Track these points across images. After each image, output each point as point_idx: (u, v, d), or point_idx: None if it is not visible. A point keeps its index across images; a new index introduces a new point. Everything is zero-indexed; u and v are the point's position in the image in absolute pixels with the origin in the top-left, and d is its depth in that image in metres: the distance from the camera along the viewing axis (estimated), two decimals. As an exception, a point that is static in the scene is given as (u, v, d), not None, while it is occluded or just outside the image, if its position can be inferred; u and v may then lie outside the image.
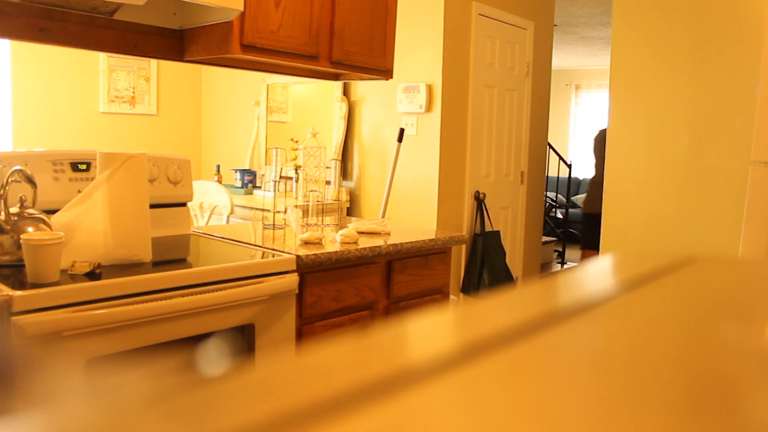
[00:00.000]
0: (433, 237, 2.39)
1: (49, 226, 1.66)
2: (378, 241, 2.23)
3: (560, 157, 7.02)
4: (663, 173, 3.56)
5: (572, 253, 6.98)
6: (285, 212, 2.42)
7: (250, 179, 4.69)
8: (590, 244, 5.40)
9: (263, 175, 4.67)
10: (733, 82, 3.28)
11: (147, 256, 1.77)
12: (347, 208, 4.44)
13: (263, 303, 1.83)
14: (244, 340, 1.81)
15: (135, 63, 5.15)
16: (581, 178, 8.85)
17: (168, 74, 5.40)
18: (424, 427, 0.25)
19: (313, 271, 1.98)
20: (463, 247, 4.23)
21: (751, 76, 3.11)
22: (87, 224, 1.68)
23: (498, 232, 4.36)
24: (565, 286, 0.54)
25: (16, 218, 1.63)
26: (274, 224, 2.42)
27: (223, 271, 1.74)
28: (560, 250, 6.59)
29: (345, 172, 4.53)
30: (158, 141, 5.34)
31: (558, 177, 8.08)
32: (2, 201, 1.62)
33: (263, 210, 2.93)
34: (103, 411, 0.24)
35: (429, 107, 4.02)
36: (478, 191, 4.25)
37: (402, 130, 3.54)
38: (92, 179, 1.93)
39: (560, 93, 9.45)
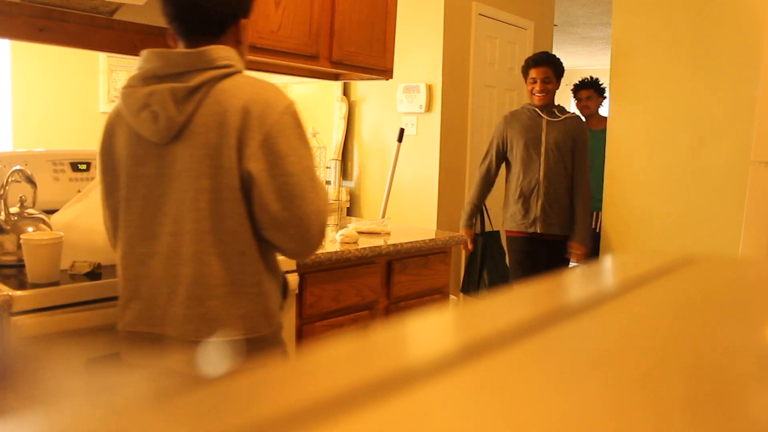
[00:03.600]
0: (433, 237, 2.39)
1: (49, 226, 1.66)
2: (378, 241, 2.23)
3: (560, 157, 7.01)
4: (663, 173, 3.56)
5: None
6: (285, 212, 2.42)
7: (250, 179, 4.68)
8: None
9: (263, 175, 4.66)
10: (733, 82, 3.27)
11: (147, 256, 1.77)
12: (347, 208, 4.44)
13: (263, 303, 1.82)
14: (244, 340, 1.81)
15: (135, 63, 5.15)
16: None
17: (168, 74, 5.39)
18: (425, 427, 0.25)
19: (313, 271, 1.98)
20: (463, 247, 4.22)
21: (751, 76, 3.11)
22: (87, 224, 1.68)
23: (498, 232, 4.35)
24: (565, 286, 0.54)
25: (16, 218, 1.63)
26: (274, 224, 2.42)
27: (223, 271, 1.73)
28: (560, 250, 6.57)
29: (345, 172, 4.53)
30: (158, 141, 5.33)
31: (558, 177, 8.07)
32: (2, 201, 1.62)
33: (263, 210, 2.92)
34: (103, 411, 0.24)
35: (429, 107, 4.02)
36: (478, 191, 4.24)
37: (402, 130, 3.54)
38: (92, 179, 1.93)
39: (560, 93, 9.43)
